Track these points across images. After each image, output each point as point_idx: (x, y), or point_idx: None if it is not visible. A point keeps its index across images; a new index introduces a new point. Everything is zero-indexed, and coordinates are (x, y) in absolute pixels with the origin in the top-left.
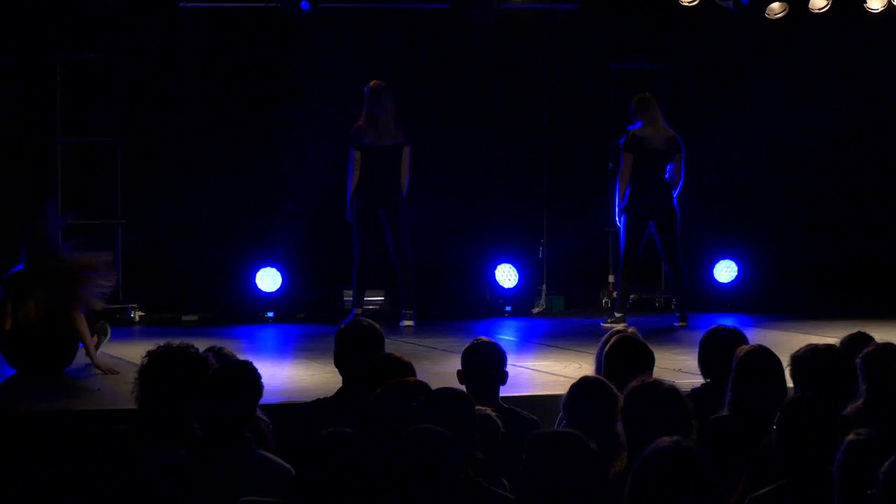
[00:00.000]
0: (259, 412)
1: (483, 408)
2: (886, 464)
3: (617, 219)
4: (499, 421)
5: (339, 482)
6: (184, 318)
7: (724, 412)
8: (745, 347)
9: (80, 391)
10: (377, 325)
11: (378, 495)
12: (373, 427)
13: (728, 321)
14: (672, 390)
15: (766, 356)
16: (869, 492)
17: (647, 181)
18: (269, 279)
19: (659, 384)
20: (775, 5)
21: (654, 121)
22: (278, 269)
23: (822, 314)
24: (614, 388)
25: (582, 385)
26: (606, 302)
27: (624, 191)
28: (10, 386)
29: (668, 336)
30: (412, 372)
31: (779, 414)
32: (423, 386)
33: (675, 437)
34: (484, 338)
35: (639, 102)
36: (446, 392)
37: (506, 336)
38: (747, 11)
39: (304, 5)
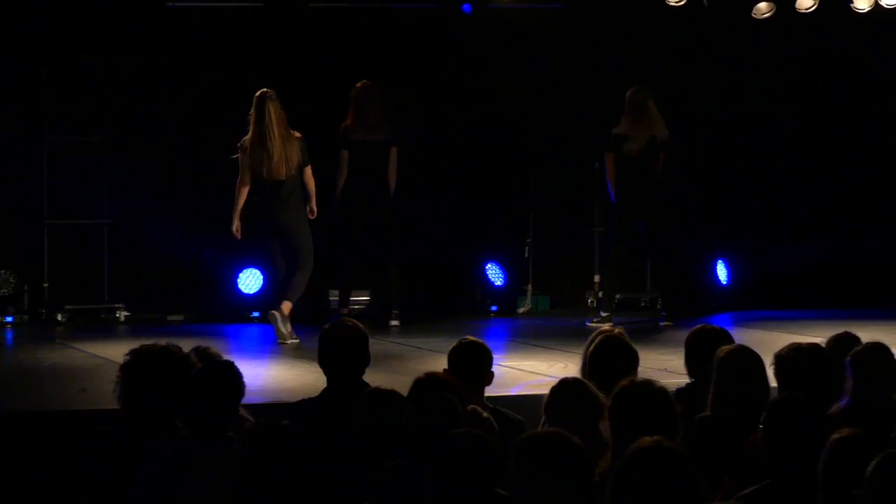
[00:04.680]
0: (243, 412)
1: (477, 407)
2: (873, 463)
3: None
4: (494, 423)
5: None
6: (169, 317)
7: (707, 412)
8: (724, 347)
9: (64, 391)
10: (361, 325)
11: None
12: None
13: (717, 321)
14: (662, 391)
15: (745, 356)
16: (854, 491)
17: (632, 180)
18: (250, 280)
19: (650, 384)
20: (762, 5)
21: (640, 118)
22: (260, 270)
23: (811, 313)
24: (595, 389)
25: (562, 386)
26: (592, 302)
27: (615, 190)
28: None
29: (654, 336)
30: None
31: (765, 413)
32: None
33: (656, 437)
34: (470, 337)
35: (629, 98)
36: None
37: (492, 336)
38: (721, 11)
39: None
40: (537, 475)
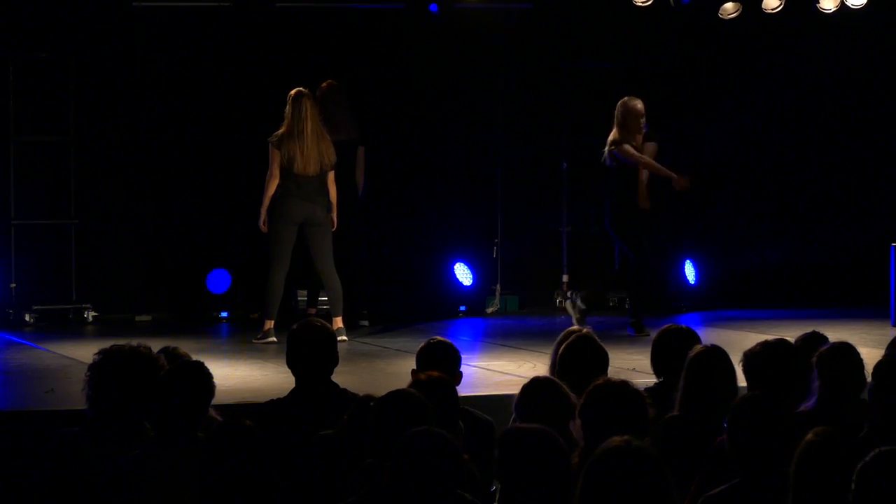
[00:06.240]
0: (213, 412)
1: None
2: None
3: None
4: (460, 423)
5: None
6: (137, 318)
7: (676, 412)
8: (697, 347)
9: (32, 392)
10: (329, 326)
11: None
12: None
13: (685, 321)
14: (636, 392)
15: (715, 356)
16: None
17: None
18: (218, 280)
19: (625, 385)
20: (729, 5)
21: (638, 129)
22: (228, 270)
23: (779, 313)
24: (566, 388)
25: (533, 385)
26: (560, 301)
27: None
28: None
29: (623, 335)
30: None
31: (729, 413)
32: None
33: (625, 437)
34: (438, 337)
35: (632, 108)
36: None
37: (460, 335)
38: (688, 11)
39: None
40: (525, 467)
